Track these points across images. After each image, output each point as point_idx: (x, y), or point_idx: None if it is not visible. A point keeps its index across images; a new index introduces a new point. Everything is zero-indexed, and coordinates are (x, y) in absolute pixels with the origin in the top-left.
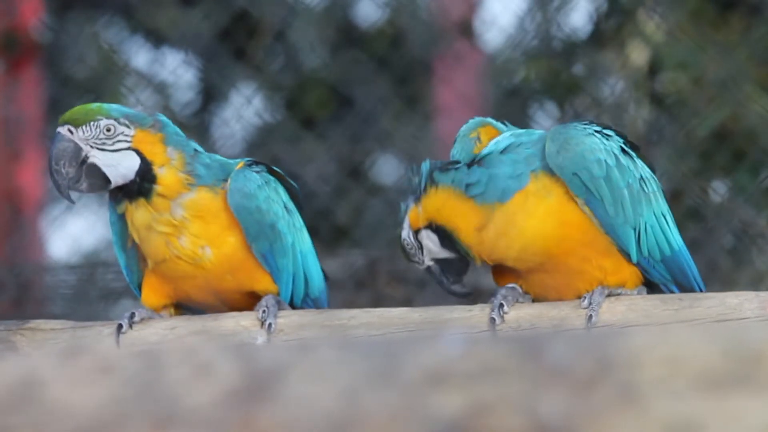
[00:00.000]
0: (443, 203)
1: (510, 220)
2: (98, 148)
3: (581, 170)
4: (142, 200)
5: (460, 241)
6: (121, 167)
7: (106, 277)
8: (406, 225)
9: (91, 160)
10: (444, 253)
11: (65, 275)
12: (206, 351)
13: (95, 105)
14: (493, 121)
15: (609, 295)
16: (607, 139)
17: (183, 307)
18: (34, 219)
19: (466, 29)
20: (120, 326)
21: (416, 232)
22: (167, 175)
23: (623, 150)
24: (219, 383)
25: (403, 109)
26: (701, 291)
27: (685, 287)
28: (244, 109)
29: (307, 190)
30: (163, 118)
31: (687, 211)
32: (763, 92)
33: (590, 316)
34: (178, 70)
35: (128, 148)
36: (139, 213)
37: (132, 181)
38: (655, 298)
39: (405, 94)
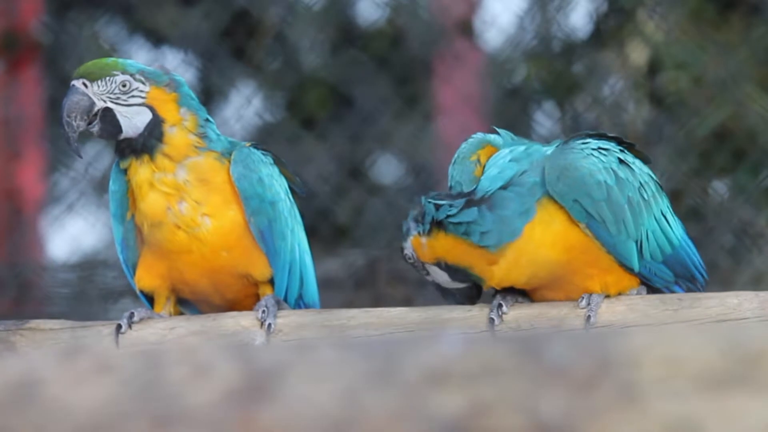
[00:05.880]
0: (452, 247)
1: (521, 252)
2: (113, 103)
3: (582, 197)
4: (146, 157)
5: (473, 274)
6: (135, 120)
7: (106, 277)
8: (408, 245)
9: (107, 105)
10: (455, 285)
11: (65, 275)
12: (206, 351)
13: (111, 59)
14: (492, 138)
15: (608, 296)
16: (605, 155)
17: (182, 304)
18: (34, 219)
19: (466, 29)
20: (119, 326)
21: (422, 262)
22: (177, 136)
23: (620, 160)
24: (219, 383)
25: (403, 109)
26: (703, 279)
27: (686, 279)
28: (244, 109)
29: (307, 190)
30: (178, 77)
31: (687, 211)
32: (763, 92)
33: (589, 316)
34: (178, 70)
35: (142, 104)
36: (142, 169)
37: (140, 135)
38: (654, 298)
39: (405, 94)
